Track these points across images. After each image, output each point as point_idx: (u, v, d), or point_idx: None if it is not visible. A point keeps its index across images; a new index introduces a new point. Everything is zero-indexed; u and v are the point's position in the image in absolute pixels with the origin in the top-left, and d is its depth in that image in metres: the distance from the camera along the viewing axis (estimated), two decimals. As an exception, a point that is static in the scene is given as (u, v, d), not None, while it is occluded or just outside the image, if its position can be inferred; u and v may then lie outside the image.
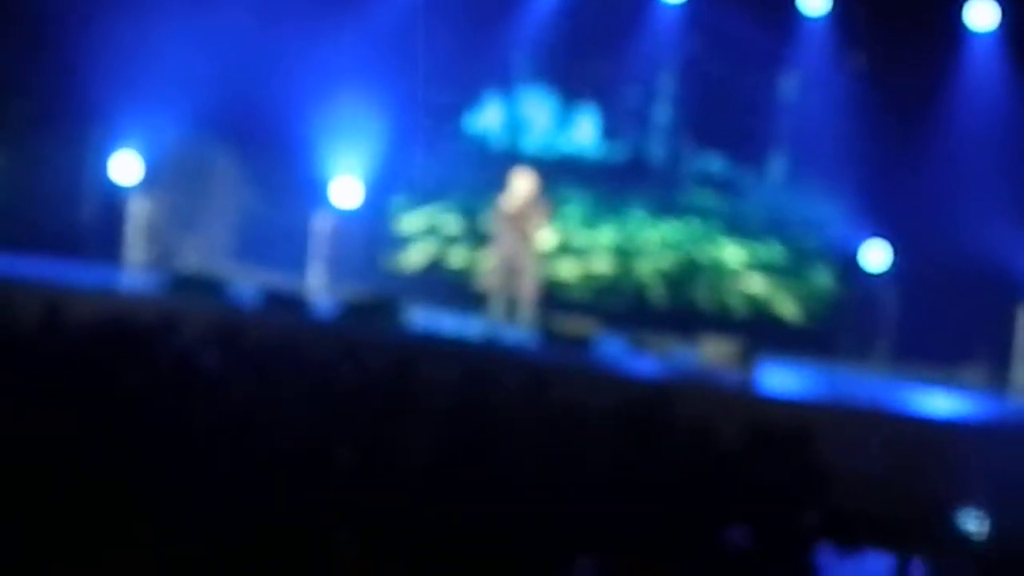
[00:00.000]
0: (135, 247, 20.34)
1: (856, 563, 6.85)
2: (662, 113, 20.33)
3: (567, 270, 20.24)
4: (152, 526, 4.74)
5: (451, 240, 20.88)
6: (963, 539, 5.25)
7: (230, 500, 5.24)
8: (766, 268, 20.07)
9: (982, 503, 5.79)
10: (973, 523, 5.51)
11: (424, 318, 17.02)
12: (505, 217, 16.90)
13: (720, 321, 19.02)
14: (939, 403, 14.92)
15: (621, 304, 19.91)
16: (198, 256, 20.41)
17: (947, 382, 16.54)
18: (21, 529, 4.39)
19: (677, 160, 20.40)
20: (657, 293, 20.35)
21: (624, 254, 20.44)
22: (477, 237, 19.72)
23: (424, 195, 21.08)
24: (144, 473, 5.24)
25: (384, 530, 5.22)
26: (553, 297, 18.51)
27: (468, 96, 20.99)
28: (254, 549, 4.79)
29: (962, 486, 7.40)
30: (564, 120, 20.79)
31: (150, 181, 20.81)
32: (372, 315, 16.24)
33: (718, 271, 20.25)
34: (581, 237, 20.44)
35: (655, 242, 20.42)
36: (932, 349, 17.12)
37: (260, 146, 20.47)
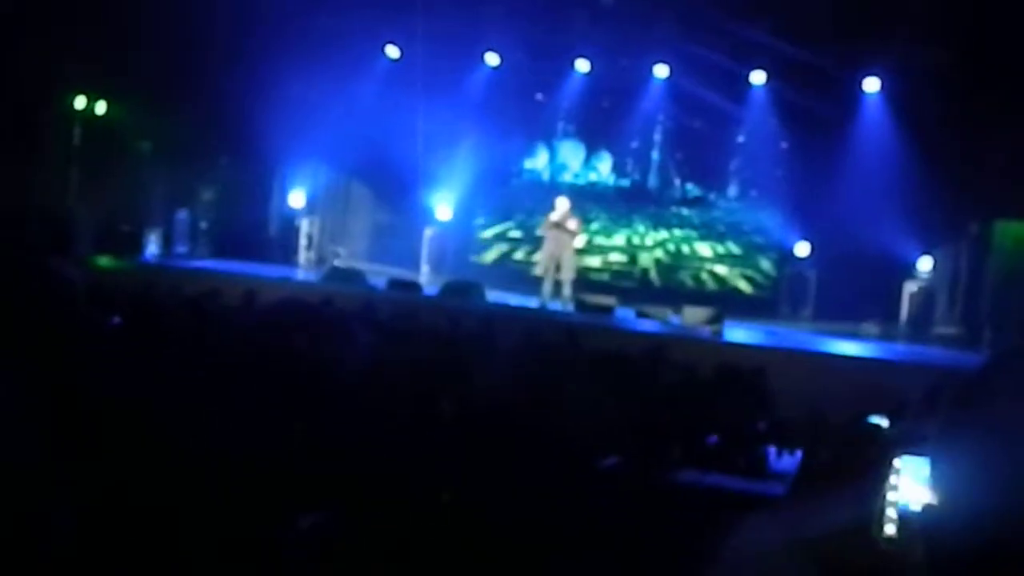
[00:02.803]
0: (303, 252, 20.45)
1: (792, 457, 6.77)
2: (656, 155, 20.23)
3: (593, 262, 20.21)
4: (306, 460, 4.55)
5: (515, 243, 20.89)
6: (870, 434, 5.17)
7: (365, 437, 5.15)
8: (728, 258, 19.96)
9: (881, 411, 5.73)
10: (877, 424, 5.44)
11: (498, 296, 17.04)
12: (551, 227, 16.85)
13: (697, 295, 18.93)
14: (848, 347, 14.76)
15: (630, 284, 19.85)
16: (345, 257, 20.48)
17: (853, 334, 16.39)
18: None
19: (666, 187, 20.30)
20: (654, 277, 20.30)
21: (632, 250, 20.38)
22: (532, 241, 19.71)
23: (497, 213, 21.12)
24: (302, 408, 5.16)
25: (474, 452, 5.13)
26: (584, 280, 18.46)
27: (525, 146, 20.99)
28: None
29: (866, 400, 7.33)
30: (589, 161, 20.73)
31: (312, 206, 20.91)
32: (463, 294, 16.24)
33: (695, 261, 20.16)
34: (602, 239, 20.42)
35: (652, 243, 20.34)
36: (842, 311, 16.98)
37: (387, 181, 20.55)
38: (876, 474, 1.41)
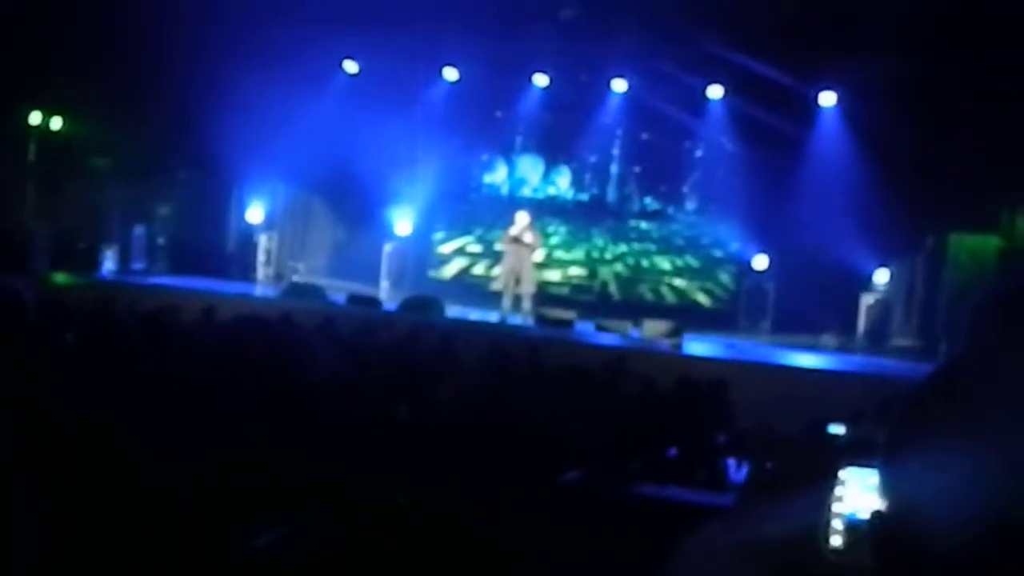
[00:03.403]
0: (262, 267, 20.36)
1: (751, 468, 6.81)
2: (614, 168, 20.31)
3: (553, 276, 20.24)
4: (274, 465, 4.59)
5: (474, 258, 20.90)
6: (828, 442, 5.22)
7: (330, 441, 5.17)
8: (687, 272, 20.06)
9: (838, 421, 5.77)
10: (835, 433, 5.49)
11: (457, 311, 17.02)
12: (510, 241, 16.89)
13: (657, 308, 18.99)
14: (806, 359, 14.87)
15: (590, 298, 19.90)
16: (304, 272, 20.41)
17: (811, 346, 16.51)
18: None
19: (625, 201, 20.38)
20: (614, 290, 20.36)
21: (591, 264, 20.44)
22: (492, 255, 19.73)
23: (456, 228, 21.12)
24: (263, 422, 5.18)
25: (429, 456, 5.14)
26: (544, 294, 18.49)
27: (484, 160, 21.02)
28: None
29: (824, 412, 7.38)
30: (548, 175, 20.77)
31: (271, 222, 20.84)
32: (422, 308, 16.22)
33: (655, 274, 20.24)
34: (562, 253, 20.46)
35: (612, 256, 20.41)
36: (800, 324, 17.12)
37: (345, 197, 20.48)
38: (826, 484, 1.45)
